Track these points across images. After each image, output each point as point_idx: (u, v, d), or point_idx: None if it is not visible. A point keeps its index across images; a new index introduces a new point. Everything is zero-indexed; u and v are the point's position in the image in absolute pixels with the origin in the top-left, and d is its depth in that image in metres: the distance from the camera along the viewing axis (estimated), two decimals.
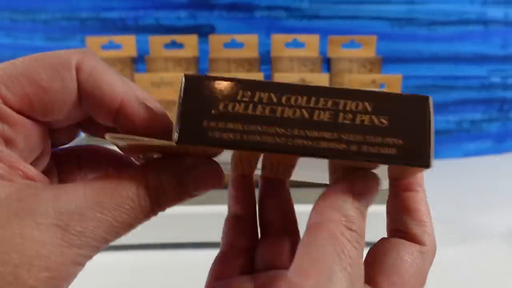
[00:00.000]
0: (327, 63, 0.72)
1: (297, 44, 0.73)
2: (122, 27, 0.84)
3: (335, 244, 0.16)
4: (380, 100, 0.17)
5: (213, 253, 0.26)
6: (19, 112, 0.17)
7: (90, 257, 0.16)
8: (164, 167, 0.18)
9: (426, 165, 0.17)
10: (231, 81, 0.17)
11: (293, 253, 0.23)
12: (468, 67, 0.90)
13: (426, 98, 0.17)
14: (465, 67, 0.90)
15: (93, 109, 0.18)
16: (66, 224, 0.15)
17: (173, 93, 0.58)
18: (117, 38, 0.70)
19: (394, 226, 0.21)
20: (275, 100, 0.17)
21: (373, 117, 0.17)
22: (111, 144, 0.19)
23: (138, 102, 0.18)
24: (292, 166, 0.21)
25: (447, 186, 0.72)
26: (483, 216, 0.61)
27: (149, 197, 0.17)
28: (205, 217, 0.49)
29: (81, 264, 0.16)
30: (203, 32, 0.83)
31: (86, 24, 0.83)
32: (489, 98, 0.91)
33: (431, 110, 0.17)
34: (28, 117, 0.18)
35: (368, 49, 0.73)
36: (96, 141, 0.23)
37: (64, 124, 0.20)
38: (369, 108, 0.17)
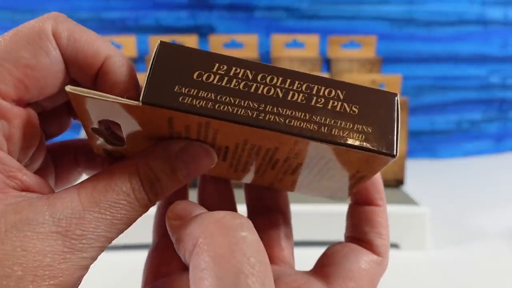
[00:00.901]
0: (326, 63, 0.73)
1: (297, 44, 0.73)
2: (122, 27, 0.84)
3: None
4: (352, 90, 0.17)
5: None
6: (17, 100, 0.17)
7: (94, 258, 0.16)
8: (153, 155, 0.18)
9: (392, 153, 0.17)
10: (207, 53, 0.17)
11: None
12: (467, 67, 0.90)
13: (395, 94, 0.18)
14: (464, 67, 0.90)
15: (79, 72, 0.18)
16: (66, 229, 0.15)
17: None
18: (117, 38, 0.70)
19: (353, 234, 0.21)
20: (250, 76, 0.17)
21: (345, 104, 0.17)
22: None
23: (121, 61, 0.18)
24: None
25: (447, 186, 0.73)
26: (483, 216, 0.61)
27: (143, 188, 0.17)
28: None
29: (86, 267, 0.16)
30: (203, 32, 0.83)
31: (86, 24, 0.82)
32: (489, 98, 0.92)
33: (399, 105, 0.18)
34: (26, 103, 0.17)
35: (367, 49, 0.73)
36: None
37: (56, 103, 0.19)
38: (341, 96, 0.17)
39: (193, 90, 0.16)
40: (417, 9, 0.87)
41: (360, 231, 0.21)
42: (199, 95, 0.16)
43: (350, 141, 0.17)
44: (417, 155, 0.90)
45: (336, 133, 0.17)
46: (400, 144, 0.60)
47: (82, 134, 0.68)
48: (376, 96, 0.18)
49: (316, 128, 0.17)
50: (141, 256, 0.24)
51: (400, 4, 0.86)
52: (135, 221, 0.17)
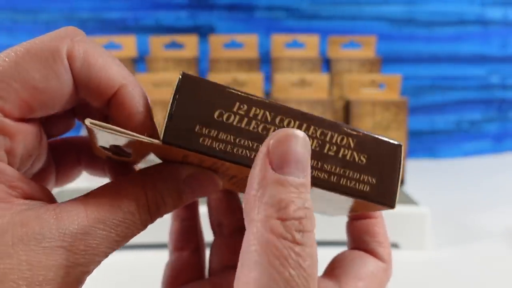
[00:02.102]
0: (326, 63, 0.73)
1: (297, 44, 0.73)
2: (122, 27, 0.84)
3: (267, 254, 0.14)
4: (363, 139, 0.18)
5: None
6: (20, 119, 0.17)
7: (92, 271, 0.17)
8: (162, 179, 0.18)
9: (391, 205, 0.19)
10: (229, 91, 0.17)
11: None
12: (467, 67, 0.90)
13: (399, 146, 0.19)
14: (464, 67, 0.90)
15: (89, 96, 0.17)
16: (70, 244, 0.15)
17: None
18: (117, 38, 0.70)
19: (356, 245, 0.22)
20: (269, 119, 0.17)
21: (355, 153, 0.18)
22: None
23: (136, 91, 0.18)
24: None
25: (446, 186, 0.73)
26: (483, 216, 0.61)
27: (148, 210, 0.17)
28: (205, 217, 0.49)
29: (84, 280, 0.16)
30: (203, 32, 0.83)
31: (86, 25, 0.83)
32: (488, 98, 0.92)
33: (402, 156, 0.19)
34: (27, 120, 0.17)
35: (367, 49, 0.73)
36: None
37: (60, 111, 0.19)
38: (352, 144, 0.18)
39: (213, 131, 0.17)
40: (417, 9, 0.87)
41: (362, 242, 0.22)
42: (219, 137, 0.17)
43: (355, 192, 0.18)
44: (417, 155, 0.90)
45: (343, 183, 0.18)
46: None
47: (83, 132, 0.69)
48: (383, 146, 0.18)
49: (326, 177, 0.18)
50: (142, 256, 0.24)
51: (400, 4, 0.86)
52: (133, 237, 0.18)
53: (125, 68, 0.18)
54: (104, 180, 0.22)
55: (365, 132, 0.18)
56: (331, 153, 0.18)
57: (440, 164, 0.88)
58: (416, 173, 0.70)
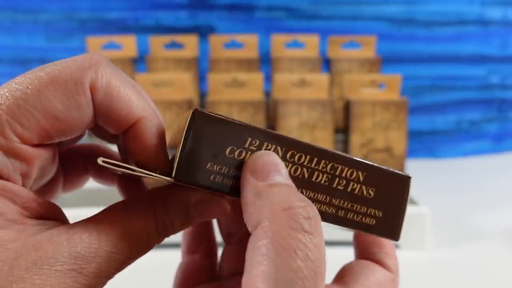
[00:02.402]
0: (326, 63, 0.73)
1: (297, 44, 0.73)
2: (122, 27, 0.84)
3: (279, 247, 0.15)
4: (372, 172, 0.18)
5: None
6: (37, 146, 0.17)
7: None
8: (172, 202, 0.18)
9: (396, 238, 0.19)
10: (241, 126, 0.17)
11: None
12: (467, 67, 0.90)
13: (408, 178, 0.19)
14: (464, 67, 0.90)
15: (108, 126, 0.18)
16: (81, 267, 0.16)
17: (173, 93, 0.59)
18: (117, 38, 0.70)
19: (364, 256, 0.22)
20: (280, 154, 0.17)
21: (363, 187, 0.18)
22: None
23: (153, 124, 0.18)
24: None
25: (446, 186, 0.73)
26: (483, 216, 0.61)
27: (157, 232, 0.18)
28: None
29: None
30: (203, 32, 0.83)
31: (87, 25, 0.83)
32: (488, 98, 0.92)
33: (410, 189, 0.19)
34: (45, 145, 0.17)
35: (367, 49, 0.73)
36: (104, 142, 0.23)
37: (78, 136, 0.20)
38: (361, 178, 0.18)
39: (224, 168, 0.17)
40: (417, 9, 0.87)
41: (369, 253, 0.22)
42: (230, 173, 0.17)
43: (361, 226, 0.18)
44: (417, 155, 0.90)
45: (350, 217, 0.18)
46: (400, 144, 0.60)
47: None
48: (392, 178, 0.19)
49: (334, 211, 0.18)
50: (144, 256, 0.24)
51: (400, 4, 0.86)
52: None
53: (146, 99, 0.18)
54: (110, 188, 0.22)
55: (376, 165, 0.18)
56: (340, 187, 0.18)
57: (440, 164, 0.88)
58: (416, 173, 0.70)
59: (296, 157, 0.18)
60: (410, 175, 0.19)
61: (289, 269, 0.14)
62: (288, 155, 0.17)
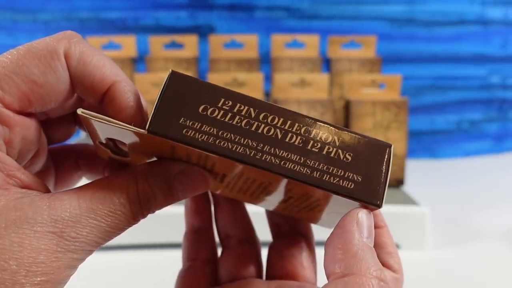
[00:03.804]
0: (327, 63, 0.72)
1: (297, 44, 0.73)
2: (122, 27, 0.84)
3: None
4: (349, 138, 0.18)
5: None
6: (19, 111, 0.18)
7: (83, 260, 0.17)
8: (154, 173, 0.19)
9: (378, 204, 0.18)
10: (215, 87, 0.18)
11: (257, 262, 0.25)
12: (467, 67, 0.90)
13: (389, 146, 0.19)
14: (464, 67, 0.90)
15: (84, 92, 0.19)
16: (61, 231, 0.16)
17: None
18: (117, 38, 0.70)
19: None
20: (253, 115, 0.18)
21: (340, 151, 0.18)
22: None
23: (128, 87, 0.19)
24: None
25: (447, 186, 0.73)
26: (483, 216, 0.61)
27: (139, 202, 0.18)
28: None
29: (75, 267, 0.17)
30: (203, 32, 0.83)
31: (86, 25, 0.83)
32: (489, 98, 0.92)
33: (391, 156, 0.18)
34: (27, 114, 0.18)
35: (368, 49, 0.73)
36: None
37: (61, 113, 0.20)
38: (337, 142, 0.18)
39: (197, 123, 0.17)
40: (417, 9, 0.87)
41: None
42: (202, 129, 0.17)
43: (339, 188, 0.18)
44: (417, 155, 0.90)
45: (327, 179, 0.18)
46: (400, 144, 0.60)
47: (82, 136, 0.68)
48: (371, 146, 0.18)
49: (309, 172, 0.18)
50: (141, 256, 0.24)
51: (400, 4, 0.86)
52: (125, 230, 0.18)
53: (118, 67, 0.19)
54: None
55: (352, 132, 0.18)
56: (315, 149, 0.18)
57: (440, 164, 0.88)
58: (416, 173, 0.70)
59: (269, 118, 0.18)
60: (390, 144, 0.18)
61: None
62: (261, 116, 0.18)
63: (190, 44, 0.71)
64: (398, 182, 0.60)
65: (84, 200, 0.17)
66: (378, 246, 0.22)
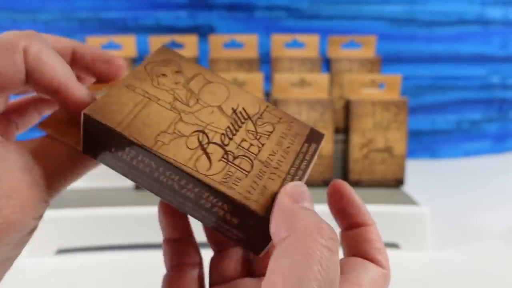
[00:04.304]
0: (326, 63, 0.72)
1: (297, 44, 0.73)
2: (122, 27, 0.84)
3: (305, 251, 0.17)
4: (235, 206, 0.20)
5: (203, 253, 0.26)
6: None
7: (53, 196, 0.21)
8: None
9: (257, 253, 0.21)
10: (121, 139, 0.20)
11: (249, 263, 0.25)
12: (467, 67, 0.90)
13: (263, 217, 0.20)
14: (464, 67, 0.90)
15: (35, 85, 0.22)
16: (31, 167, 0.20)
17: None
18: (117, 38, 0.70)
19: (354, 253, 0.22)
20: (154, 166, 0.20)
21: (227, 214, 0.20)
22: None
23: (76, 88, 0.21)
24: None
25: (447, 186, 0.73)
26: (483, 216, 0.61)
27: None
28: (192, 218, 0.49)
29: (47, 202, 0.20)
30: (203, 32, 0.83)
31: (86, 24, 0.83)
32: (489, 98, 0.92)
33: (267, 221, 0.20)
34: None
35: (368, 49, 0.73)
36: None
37: (13, 92, 0.23)
38: (226, 208, 0.20)
39: (111, 161, 0.21)
40: (418, 9, 0.87)
41: (360, 250, 0.22)
42: (117, 164, 0.21)
43: (229, 238, 0.21)
44: (417, 155, 0.90)
45: (219, 229, 0.21)
46: (400, 144, 0.60)
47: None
48: (249, 214, 0.20)
49: (202, 218, 0.21)
50: (141, 256, 0.24)
51: (400, 4, 0.86)
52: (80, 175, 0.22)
53: (69, 68, 0.22)
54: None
55: (238, 200, 0.19)
56: (206, 206, 0.20)
57: (440, 164, 0.88)
58: (416, 173, 0.70)
59: (167, 173, 0.20)
60: (260, 214, 0.19)
61: (310, 271, 0.16)
62: (161, 169, 0.20)
63: (190, 44, 0.71)
64: (398, 182, 0.60)
65: (47, 143, 0.21)
66: (366, 242, 0.22)
